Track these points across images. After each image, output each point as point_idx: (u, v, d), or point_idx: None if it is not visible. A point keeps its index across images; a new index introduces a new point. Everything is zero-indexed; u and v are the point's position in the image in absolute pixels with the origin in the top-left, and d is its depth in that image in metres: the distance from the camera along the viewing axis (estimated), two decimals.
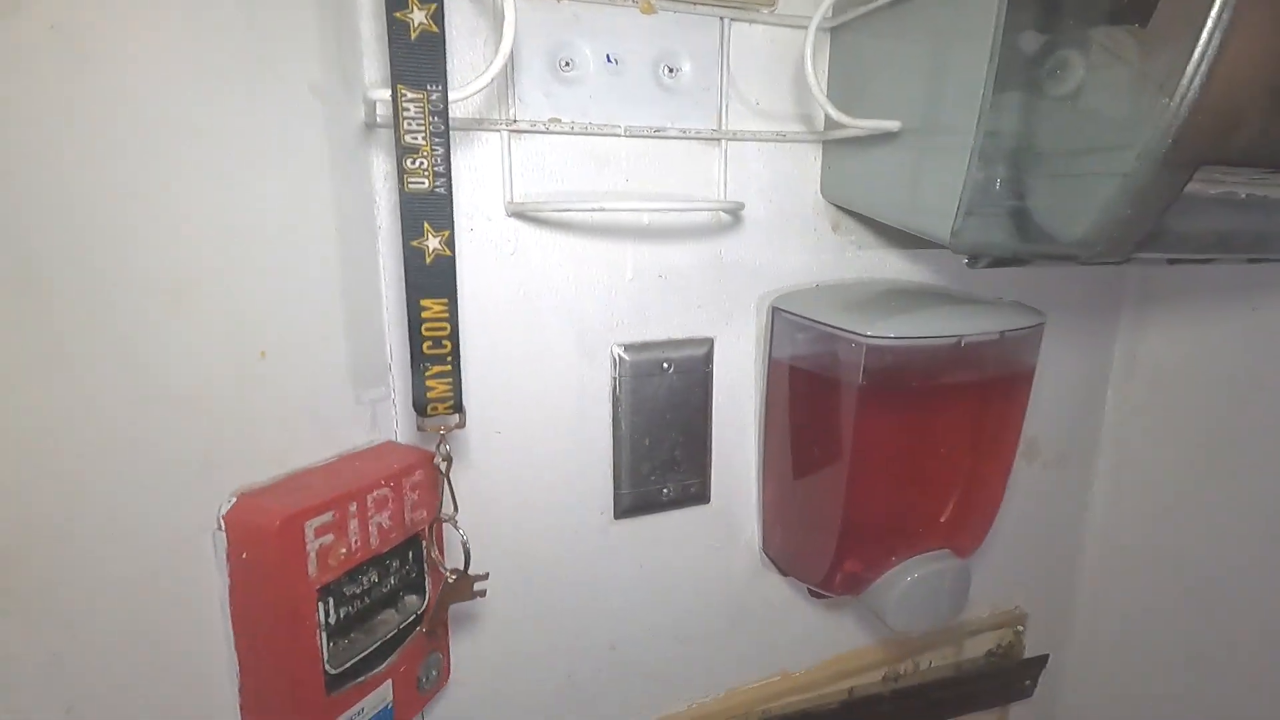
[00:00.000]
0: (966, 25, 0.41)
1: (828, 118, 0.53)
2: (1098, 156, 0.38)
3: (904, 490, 0.52)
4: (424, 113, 0.33)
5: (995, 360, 0.50)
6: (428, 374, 0.36)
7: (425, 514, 0.44)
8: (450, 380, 0.37)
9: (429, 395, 0.37)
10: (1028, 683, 0.78)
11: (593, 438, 0.53)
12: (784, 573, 0.62)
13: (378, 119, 0.40)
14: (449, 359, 0.37)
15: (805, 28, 0.45)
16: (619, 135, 0.48)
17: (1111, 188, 0.36)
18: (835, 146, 0.54)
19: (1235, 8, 0.31)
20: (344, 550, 0.39)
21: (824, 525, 0.53)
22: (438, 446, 0.39)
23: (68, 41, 0.28)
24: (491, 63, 0.36)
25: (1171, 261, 0.52)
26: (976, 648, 0.76)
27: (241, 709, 0.38)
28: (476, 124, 0.44)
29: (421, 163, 0.33)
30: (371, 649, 0.42)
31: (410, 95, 0.32)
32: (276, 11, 0.35)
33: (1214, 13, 0.31)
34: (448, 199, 0.34)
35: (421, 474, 0.43)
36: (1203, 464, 0.71)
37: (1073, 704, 0.83)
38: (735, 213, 0.52)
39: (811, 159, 0.55)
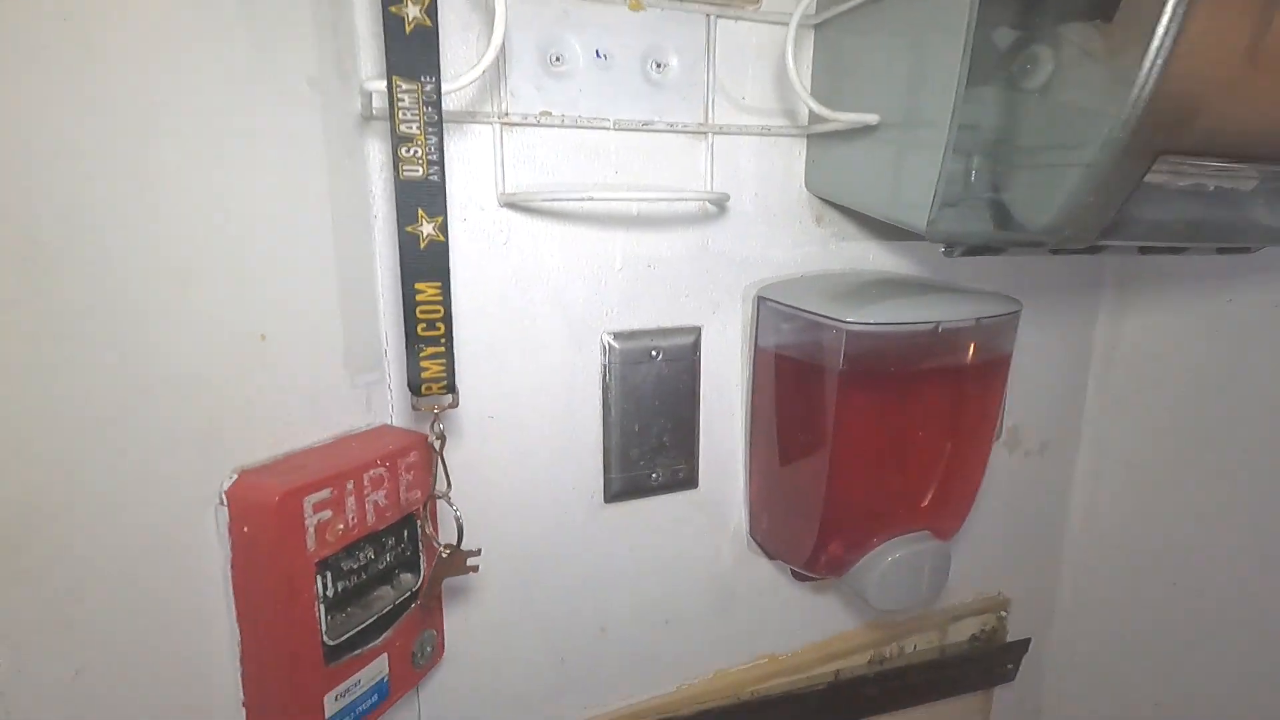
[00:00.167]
0: (941, 21, 0.43)
1: (811, 112, 0.55)
2: (1064, 147, 0.39)
3: (885, 473, 0.54)
4: (418, 103, 0.34)
5: (972, 346, 0.51)
6: (422, 355, 0.38)
7: (419, 494, 0.45)
8: (444, 361, 0.38)
9: (423, 376, 0.38)
10: (1010, 666, 0.80)
11: (583, 423, 0.55)
12: (771, 557, 0.64)
13: (373, 111, 0.41)
14: (442, 340, 0.38)
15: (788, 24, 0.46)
16: (608, 129, 0.50)
17: (1076, 176, 0.38)
18: (818, 141, 0.56)
19: (1189, 4, 0.33)
20: (341, 526, 0.40)
21: (807, 507, 0.54)
22: (431, 425, 0.41)
23: (80, 32, 0.30)
24: (483, 56, 0.37)
25: (1143, 251, 0.54)
26: (960, 632, 0.78)
27: (243, 677, 0.40)
28: (470, 116, 0.45)
29: (416, 151, 0.35)
30: (368, 623, 0.43)
31: (405, 86, 0.34)
32: (276, 9, 0.37)
33: (1169, 9, 0.33)
34: (441, 186, 0.36)
35: (416, 455, 0.45)
36: (1181, 453, 0.73)
37: (1055, 687, 0.85)
38: (721, 204, 0.54)
39: (796, 153, 0.57)
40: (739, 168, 0.55)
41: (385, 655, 0.45)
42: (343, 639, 0.42)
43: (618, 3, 0.48)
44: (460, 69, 0.39)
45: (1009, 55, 0.44)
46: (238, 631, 0.39)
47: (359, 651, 0.43)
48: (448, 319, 0.38)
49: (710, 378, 0.58)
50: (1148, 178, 0.48)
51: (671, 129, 0.52)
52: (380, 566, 0.45)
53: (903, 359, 0.50)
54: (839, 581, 0.58)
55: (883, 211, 0.51)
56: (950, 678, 0.77)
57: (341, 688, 0.42)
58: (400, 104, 0.34)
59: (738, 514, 0.63)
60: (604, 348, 0.54)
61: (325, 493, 0.39)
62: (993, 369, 0.55)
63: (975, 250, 0.47)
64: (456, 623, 0.52)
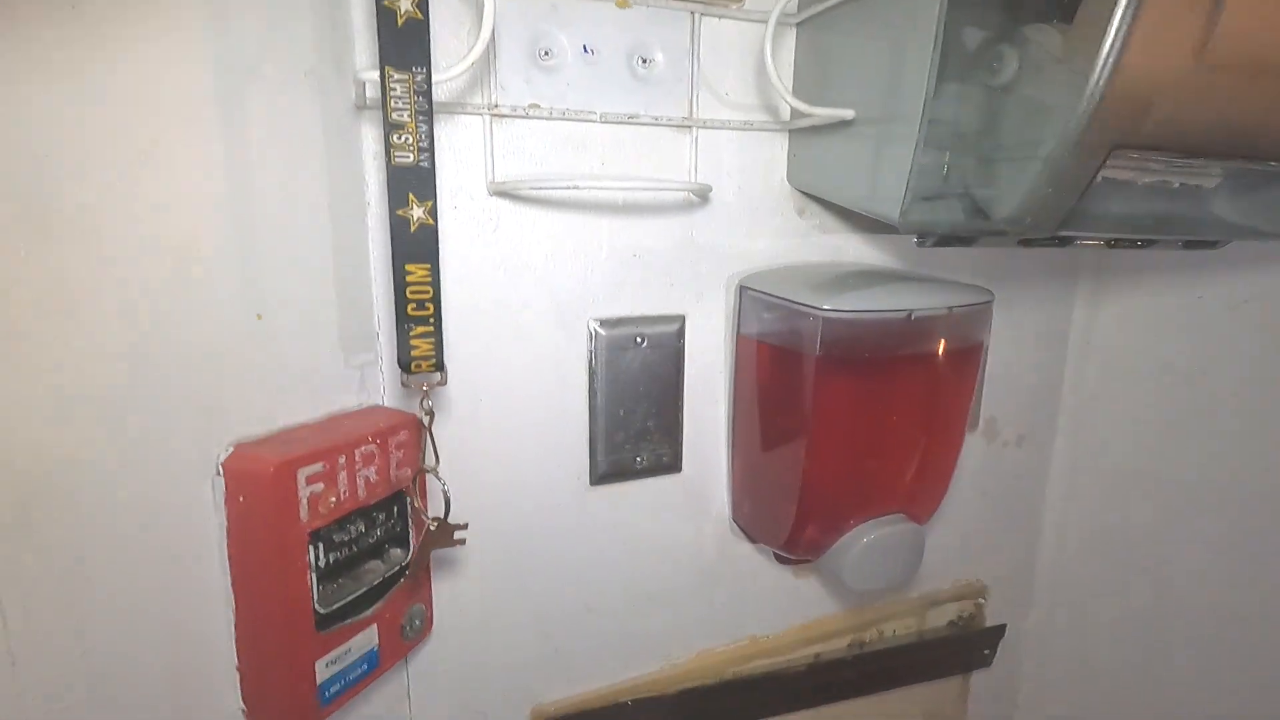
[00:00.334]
0: (913, 22, 0.45)
1: (793, 108, 0.57)
2: (1026, 141, 0.41)
3: (861, 457, 0.56)
4: (409, 92, 0.36)
5: (944, 334, 0.53)
6: (412, 334, 0.40)
7: (409, 471, 0.47)
8: (432, 340, 0.40)
9: (413, 354, 0.40)
10: (986, 651, 0.82)
11: (570, 407, 0.56)
12: (752, 540, 0.66)
13: (366, 100, 0.43)
14: (431, 320, 0.40)
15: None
16: (595, 121, 0.52)
17: (1036, 168, 0.40)
18: (799, 135, 0.57)
19: (1139, 6, 0.35)
20: (333, 499, 0.42)
21: (786, 490, 0.56)
22: (421, 402, 0.43)
23: (88, 22, 0.31)
24: (473, 48, 0.39)
25: (1111, 245, 0.56)
26: (939, 618, 0.80)
27: (237, 641, 0.41)
28: (460, 108, 0.47)
29: (407, 138, 0.37)
30: (358, 594, 0.45)
31: (396, 76, 0.36)
32: (277, 2, 0.38)
33: (1119, 11, 0.35)
34: (431, 172, 0.38)
35: (406, 434, 0.46)
36: (1153, 445, 0.75)
37: (1031, 674, 0.87)
38: (703, 195, 0.56)
39: (778, 147, 0.59)
40: (722, 161, 0.57)
41: (375, 626, 0.47)
42: (334, 608, 0.43)
43: None
44: (451, 61, 0.41)
45: (977, 54, 0.46)
46: (232, 597, 0.41)
47: (349, 621, 0.44)
48: (436, 299, 0.40)
49: (694, 365, 0.60)
50: (1113, 174, 0.50)
51: (657, 122, 0.53)
52: (370, 541, 0.47)
53: (878, 345, 0.52)
54: (818, 564, 0.60)
55: (859, 204, 0.53)
56: (928, 662, 0.79)
57: (332, 655, 0.43)
58: (392, 93, 0.36)
59: (720, 498, 0.64)
60: (590, 334, 0.56)
61: (318, 466, 0.41)
62: (966, 357, 0.57)
63: (945, 240, 0.49)
64: (445, 599, 0.54)
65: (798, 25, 0.55)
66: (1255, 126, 0.41)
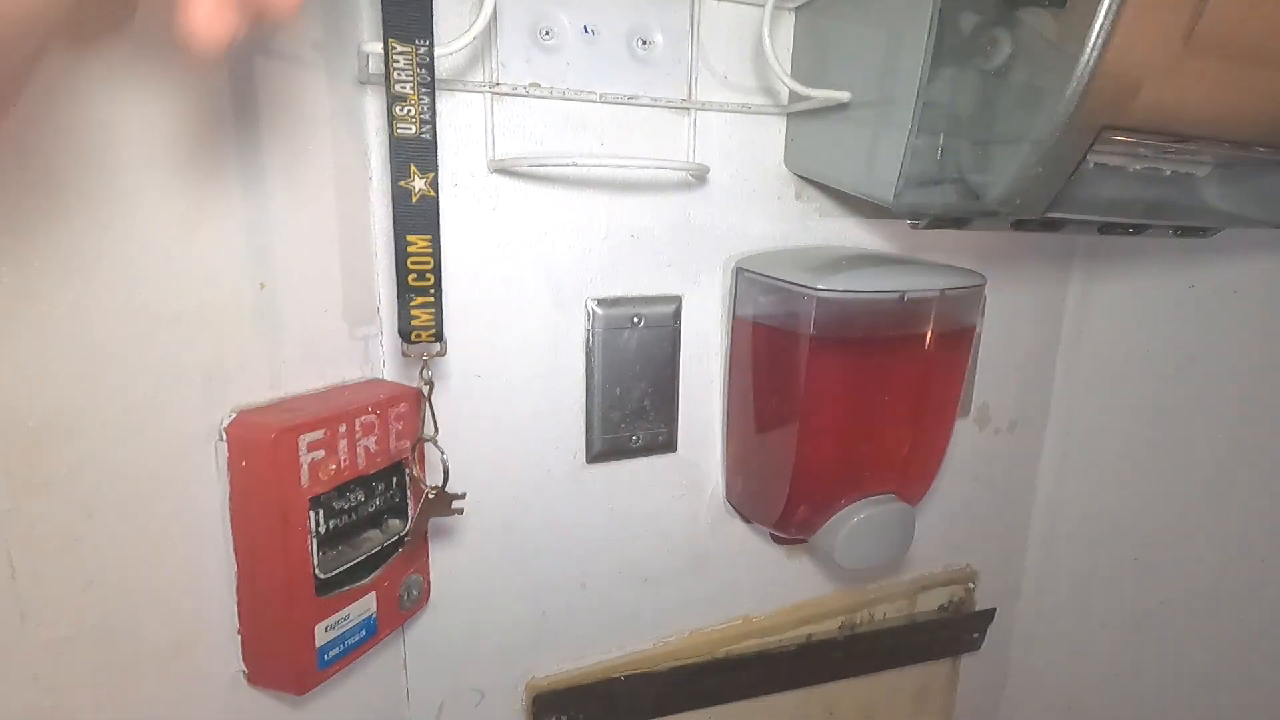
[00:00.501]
0: (909, 6, 0.46)
1: (790, 91, 0.57)
2: (1018, 122, 0.42)
3: (853, 437, 0.57)
4: (412, 65, 0.37)
5: (936, 316, 0.54)
6: (412, 304, 0.40)
7: (408, 443, 0.48)
8: (433, 310, 0.41)
9: (413, 324, 0.41)
10: (976, 635, 0.83)
11: (567, 385, 0.57)
12: (746, 520, 0.67)
13: (369, 74, 0.43)
14: (431, 291, 0.40)
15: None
16: (594, 101, 0.52)
17: (1026, 149, 0.40)
18: (797, 119, 0.58)
19: None
20: (334, 466, 0.43)
21: (779, 469, 0.57)
22: (421, 372, 0.43)
23: None
24: (473, 23, 0.40)
25: (1103, 230, 0.57)
26: (929, 602, 0.81)
27: (238, 604, 0.42)
28: (461, 85, 0.48)
29: (409, 110, 0.37)
30: (357, 561, 0.46)
31: (400, 49, 0.36)
32: None
33: None
34: (432, 144, 0.38)
35: (405, 406, 0.47)
36: (1144, 433, 0.76)
37: (1019, 657, 0.88)
38: (701, 175, 0.57)
39: (776, 131, 0.59)
40: (720, 144, 0.57)
41: (373, 594, 0.48)
42: (333, 574, 0.44)
43: None
44: (453, 36, 0.42)
45: (971, 38, 0.46)
46: (234, 560, 0.42)
47: (348, 588, 0.45)
48: (437, 270, 0.40)
49: (690, 346, 0.61)
50: (1104, 159, 0.51)
51: (656, 104, 0.54)
52: (370, 510, 0.47)
53: (871, 326, 0.53)
54: (810, 544, 0.61)
55: (855, 186, 0.54)
56: (918, 645, 0.80)
57: (331, 620, 0.44)
58: (395, 65, 0.36)
59: (715, 478, 0.65)
60: (588, 313, 0.56)
61: (319, 433, 0.41)
62: (957, 339, 0.58)
63: (939, 222, 0.50)
64: (442, 571, 0.55)
65: (796, 9, 0.56)
66: (1241, 111, 0.42)
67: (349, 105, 0.44)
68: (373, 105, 0.45)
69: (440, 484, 0.46)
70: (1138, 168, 0.53)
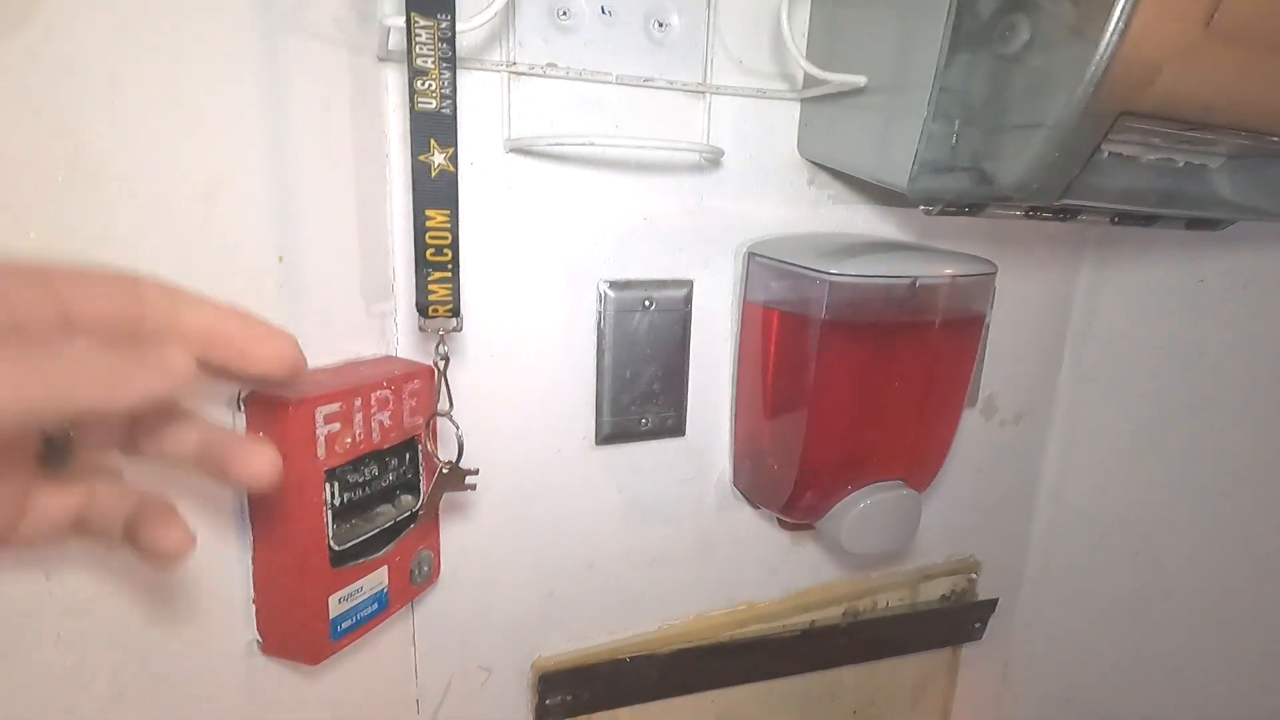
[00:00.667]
0: None
1: (805, 77, 0.57)
2: (1035, 108, 0.42)
3: (862, 423, 0.57)
4: (434, 39, 0.37)
5: (947, 303, 0.54)
6: (430, 279, 0.41)
7: (421, 419, 0.48)
8: (450, 286, 0.41)
9: (430, 299, 0.41)
10: (977, 625, 0.84)
11: (577, 366, 0.57)
12: (753, 505, 0.67)
13: (389, 49, 0.44)
14: (449, 266, 0.41)
15: None
16: (610, 83, 0.52)
17: (1044, 134, 0.41)
18: (811, 104, 0.58)
19: None
20: (349, 440, 0.43)
21: (788, 454, 0.58)
22: (436, 347, 0.44)
23: None
24: (494, 1, 0.40)
25: (1115, 221, 0.57)
26: (931, 591, 0.82)
27: (254, 574, 0.43)
28: (479, 64, 0.48)
29: (430, 85, 0.38)
30: (370, 534, 0.46)
31: (422, 23, 0.37)
32: None
33: None
34: (452, 119, 0.39)
35: (419, 383, 0.47)
36: (1150, 429, 0.76)
37: (1021, 647, 0.89)
38: (715, 158, 0.57)
39: (790, 116, 0.59)
40: (734, 128, 0.57)
41: (385, 568, 0.48)
42: (347, 546, 0.45)
43: None
44: (474, 13, 0.42)
45: (989, 23, 0.46)
46: (250, 530, 0.42)
47: (361, 561, 0.46)
48: (455, 245, 0.41)
49: (700, 330, 0.61)
50: (1118, 148, 0.51)
51: (671, 87, 0.54)
52: (383, 485, 0.48)
53: (882, 311, 0.53)
54: (816, 531, 0.61)
55: (869, 172, 0.54)
56: (920, 633, 0.81)
57: (345, 591, 0.45)
58: (418, 39, 0.37)
59: (722, 463, 0.66)
60: (600, 295, 0.57)
61: (335, 406, 0.42)
62: (967, 326, 0.58)
63: (952, 206, 0.50)
64: (451, 548, 0.55)
65: None
66: (1260, 99, 0.42)
67: (367, 80, 0.44)
68: (391, 81, 0.45)
69: (455, 459, 0.47)
70: (1151, 158, 0.53)
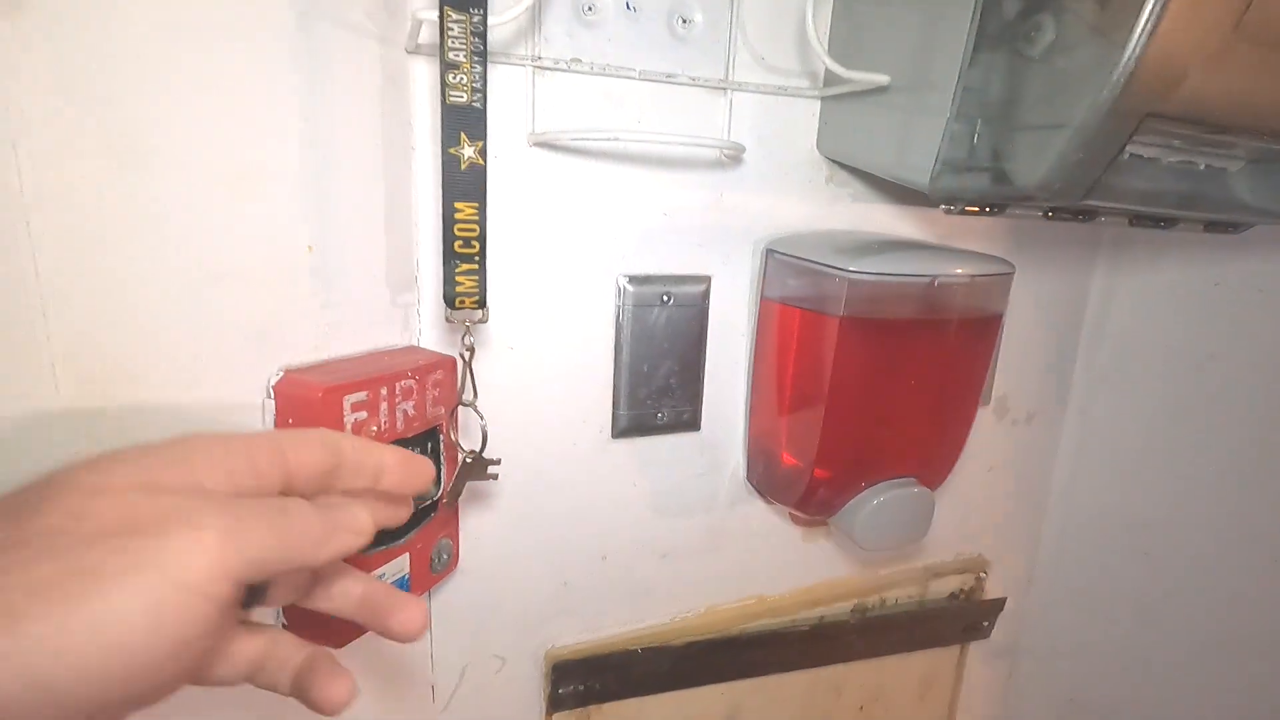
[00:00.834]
0: None
1: (827, 75, 0.58)
2: (1059, 108, 0.42)
3: (877, 420, 0.58)
4: (466, 33, 0.37)
5: (965, 302, 0.55)
6: (458, 270, 0.41)
7: (444, 410, 0.49)
8: (477, 278, 0.42)
9: (457, 290, 0.42)
10: (986, 624, 0.84)
11: (595, 360, 0.58)
12: (767, 500, 0.67)
13: (419, 43, 0.44)
14: (476, 258, 0.41)
15: None
16: (633, 78, 0.53)
17: (1068, 135, 0.41)
18: (831, 102, 0.58)
19: None
20: (374, 428, 0.44)
21: (803, 449, 0.58)
22: (462, 338, 0.44)
23: None
24: None
25: (1133, 223, 0.57)
26: (940, 589, 0.82)
27: None
28: (505, 58, 0.48)
29: (461, 78, 0.38)
30: None
31: (455, 16, 0.37)
32: None
33: None
34: (483, 113, 0.39)
35: (442, 374, 0.48)
36: (1162, 431, 0.77)
37: (1028, 647, 0.89)
38: (736, 154, 0.57)
39: (809, 114, 0.60)
40: (755, 125, 0.58)
41: (407, 555, 0.49)
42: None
43: None
44: (505, 7, 0.42)
45: (1014, 23, 0.46)
46: None
47: (384, 547, 0.46)
48: (482, 238, 0.41)
49: (717, 326, 0.61)
50: (1139, 150, 0.51)
51: (694, 83, 0.54)
52: None
53: (900, 309, 0.54)
54: (829, 528, 0.62)
55: (889, 171, 0.54)
56: (928, 630, 0.81)
57: (369, 576, 0.45)
58: (450, 33, 0.37)
59: (736, 459, 0.66)
60: (619, 289, 0.57)
61: (362, 394, 0.42)
62: (984, 326, 0.58)
63: (973, 206, 0.50)
64: (469, 538, 0.56)
65: None
66: None
67: (397, 73, 0.45)
68: (421, 74, 0.46)
69: (479, 449, 0.47)
70: (1172, 160, 0.53)
